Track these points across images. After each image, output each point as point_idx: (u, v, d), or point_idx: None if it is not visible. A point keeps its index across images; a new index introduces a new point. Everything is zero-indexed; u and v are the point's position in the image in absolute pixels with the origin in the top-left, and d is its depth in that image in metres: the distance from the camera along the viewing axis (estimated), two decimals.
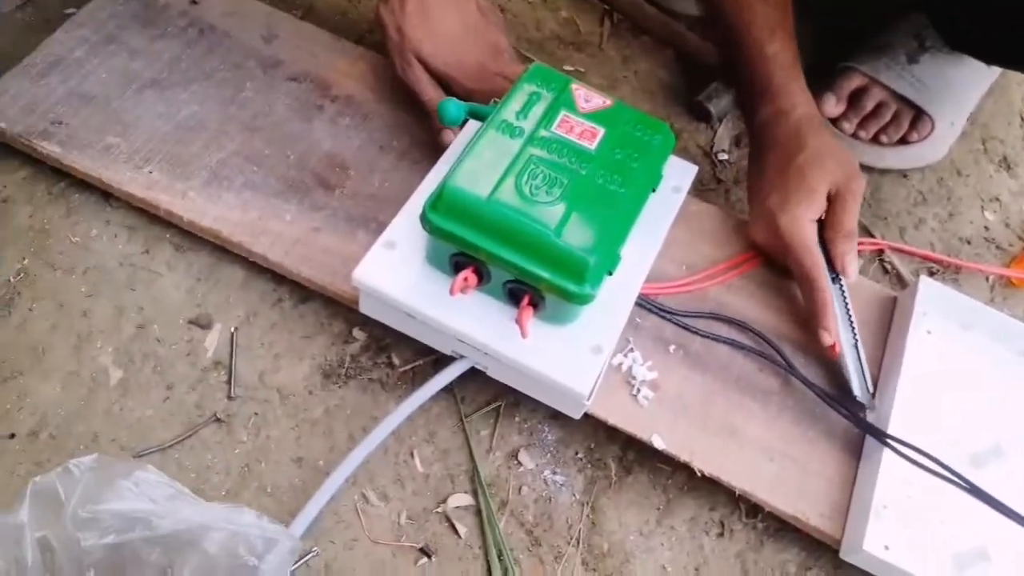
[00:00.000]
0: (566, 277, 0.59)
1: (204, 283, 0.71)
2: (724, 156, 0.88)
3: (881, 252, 0.84)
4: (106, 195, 0.73)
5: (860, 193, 0.69)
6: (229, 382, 0.67)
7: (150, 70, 0.78)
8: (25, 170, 0.73)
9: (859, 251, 0.82)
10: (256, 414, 0.66)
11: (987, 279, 0.85)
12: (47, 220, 0.72)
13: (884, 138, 0.88)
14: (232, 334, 0.69)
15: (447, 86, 0.74)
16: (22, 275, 0.69)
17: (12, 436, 0.63)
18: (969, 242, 0.88)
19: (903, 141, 0.88)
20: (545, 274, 0.59)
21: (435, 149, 0.73)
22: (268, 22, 0.83)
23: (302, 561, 0.60)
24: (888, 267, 0.84)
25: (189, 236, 0.72)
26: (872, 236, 0.85)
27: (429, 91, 0.74)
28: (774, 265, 0.74)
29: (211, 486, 0.63)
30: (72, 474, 0.54)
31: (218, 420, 0.65)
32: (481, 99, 0.71)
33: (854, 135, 0.88)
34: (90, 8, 0.80)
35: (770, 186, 0.71)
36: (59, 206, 0.72)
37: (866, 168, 0.89)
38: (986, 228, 0.89)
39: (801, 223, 0.68)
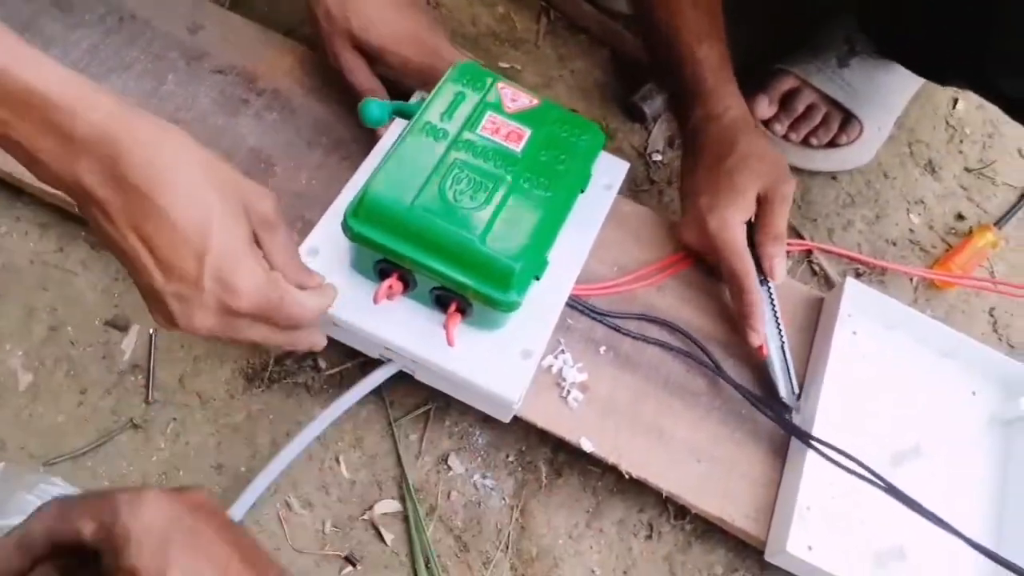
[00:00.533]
0: (491, 285, 0.58)
1: (121, 283, 0.68)
2: (658, 157, 0.88)
3: (809, 253, 0.85)
4: (17, 191, 0.69)
5: (789, 197, 0.70)
6: (147, 386, 0.65)
7: (66, 60, 0.73)
8: None
9: (788, 252, 0.83)
10: (175, 419, 0.64)
11: (911, 280, 0.87)
12: None
13: (814, 140, 0.89)
14: (151, 336, 0.66)
15: (383, 61, 0.71)
16: None
17: None
18: (895, 244, 0.90)
19: (832, 144, 0.90)
20: (470, 282, 0.58)
21: (367, 145, 0.71)
22: (193, 12, 0.80)
23: None
24: (816, 268, 0.85)
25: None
26: (801, 237, 0.87)
27: (361, 77, 0.71)
28: (704, 267, 0.74)
29: None
30: None
31: (135, 426, 0.63)
32: (417, 72, 0.70)
33: (785, 136, 0.89)
34: None
35: (700, 188, 0.71)
36: None
37: (796, 170, 0.90)
38: (911, 230, 0.91)
39: (730, 225, 0.69)
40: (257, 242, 0.50)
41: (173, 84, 0.75)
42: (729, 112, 0.72)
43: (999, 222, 0.93)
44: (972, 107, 1.02)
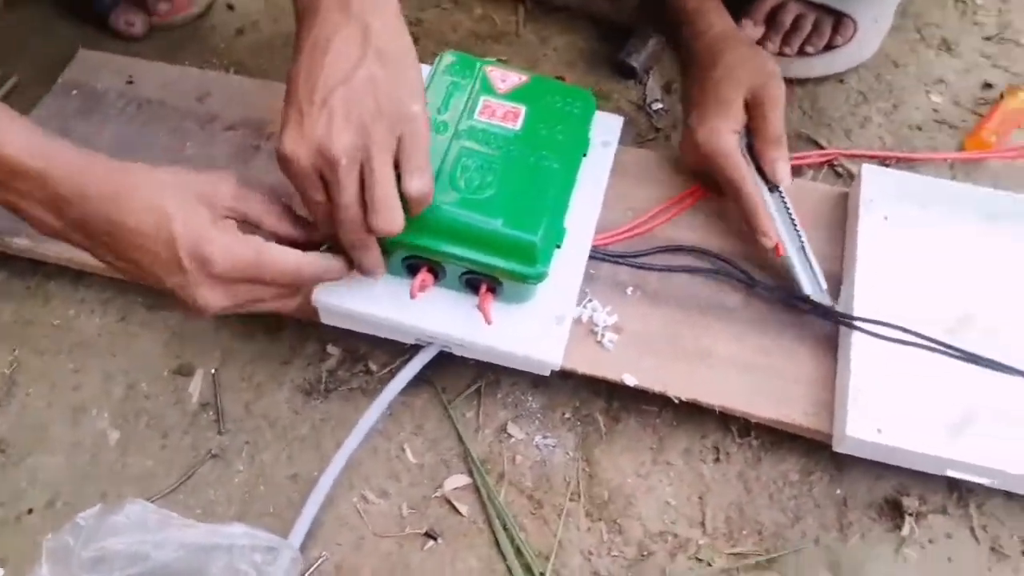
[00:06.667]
0: (518, 261, 0.61)
1: (179, 335, 0.74)
2: (658, 105, 0.89)
3: (831, 161, 0.84)
4: (77, 275, 0.76)
5: (778, 98, 0.69)
6: (218, 420, 0.69)
7: (99, 152, 0.82)
8: (2, 273, 0.78)
9: (809, 163, 0.83)
10: (248, 443, 0.68)
11: (946, 160, 0.84)
12: (29, 312, 0.76)
13: (810, 48, 0.88)
14: (213, 375, 0.71)
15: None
16: (15, 366, 0.73)
17: (30, 511, 0.66)
18: (920, 128, 0.87)
19: (829, 47, 0.89)
20: (497, 262, 0.61)
21: None
22: (200, 83, 0.87)
23: (312, 568, 0.62)
24: (840, 171, 0.83)
25: (159, 295, 0.74)
26: (820, 146, 0.85)
27: None
28: (716, 195, 0.74)
29: (217, 517, 0.65)
30: (80, 526, 0.57)
31: (214, 456, 0.68)
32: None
33: (780, 53, 0.89)
34: (37, 113, 0.85)
35: (690, 105, 0.72)
36: (38, 297, 0.77)
37: (799, 81, 0.89)
38: (935, 111, 0.88)
39: (719, 134, 0.69)
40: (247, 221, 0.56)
41: (192, 149, 0.82)
42: (713, 28, 0.74)
43: None
44: None
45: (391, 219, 0.54)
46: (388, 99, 0.53)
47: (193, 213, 0.53)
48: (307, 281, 0.58)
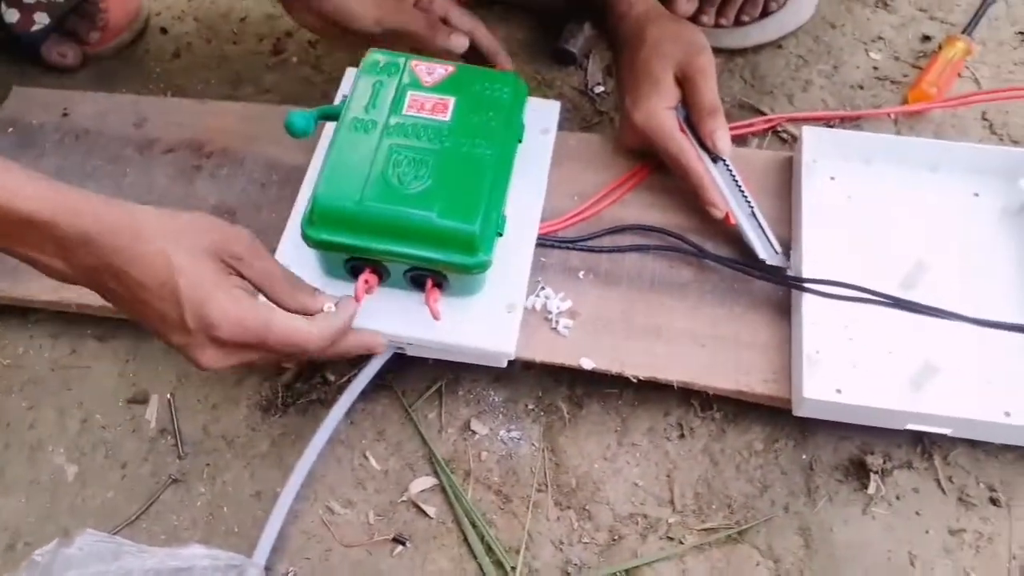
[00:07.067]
0: (457, 252, 0.60)
1: (132, 363, 0.73)
2: (599, 89, 0.89)
3: (775, 127, 0.83)
4: (24, 313, 0.75)
5: (708, 68, 0.69)
6: (177, 444, 0.68)
7: None
8: None
9: (753, 132, 0.83)
10: (208, 464, 0.68)
11: (890, 115, 0.84)
12: None
13: (746, 17, 0.88)
14: (169, 400, 0.70)
15: (352, 27, 0.72)
16: None
17: None
18: (861, 87, 0.87)
19: (765, 14, 0.88)
20: (437, 256, 0.60)
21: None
22: (136, 109, 0.85)
23: None
24: (785, 137, 0.83)
25: (108, 325, 0.74)
26: (763, 114, 0.85)
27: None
28: (660, 173, 0.74)
29: (181, 542, 0.64)
30: (36, 563, 0.56)
31: (175, 481, 0.67)
32: (393, 33, 0.71)
33: (716, 24, 0.88)
34: None
35: (624, 89, 0.72)
36: None
37: (738, 51, 0.89)
38: (875, 68, 0.88)
39: (654, 113, 0.69)
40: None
41: (132, 176, 0.80)
42: (635, 8, 0.73)
43: (967, 29, 0.89)
44: None
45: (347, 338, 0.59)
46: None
47: (200, 270, 0.51)
48: (314, 355, 0.57)
